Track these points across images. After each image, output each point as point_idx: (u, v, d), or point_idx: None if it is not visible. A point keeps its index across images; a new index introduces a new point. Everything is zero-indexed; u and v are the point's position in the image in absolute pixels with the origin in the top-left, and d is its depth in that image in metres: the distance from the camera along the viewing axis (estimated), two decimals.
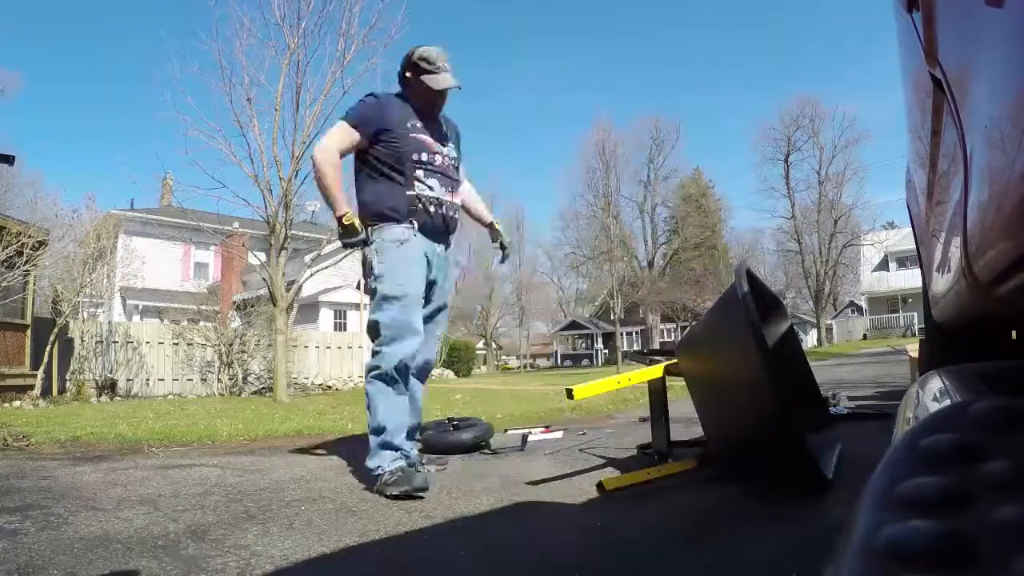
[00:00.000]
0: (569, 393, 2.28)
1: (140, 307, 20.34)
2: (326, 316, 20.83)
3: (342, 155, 2.66)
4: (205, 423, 5.21)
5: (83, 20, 53.75)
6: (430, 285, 2.70)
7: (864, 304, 37.08)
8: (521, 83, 69.29)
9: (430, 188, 2.63)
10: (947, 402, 0.56)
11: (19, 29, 47.18)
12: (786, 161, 36.45)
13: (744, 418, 2.07)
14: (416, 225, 2.59)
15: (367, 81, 9.67)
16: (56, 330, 9.87)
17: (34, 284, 10.24)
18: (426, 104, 2.71)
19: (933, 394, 0.63)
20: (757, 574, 1.41)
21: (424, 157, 2.64)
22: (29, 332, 9.85)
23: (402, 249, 2.54)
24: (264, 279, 9.23)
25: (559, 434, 3.90)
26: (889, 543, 0.29)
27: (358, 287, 21.41)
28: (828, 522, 1.61)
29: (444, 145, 2.74)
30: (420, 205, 2.59)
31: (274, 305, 8.96)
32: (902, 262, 33.45)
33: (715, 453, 2.40)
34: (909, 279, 30.83)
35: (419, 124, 2.67)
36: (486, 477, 2.67)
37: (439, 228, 2.68)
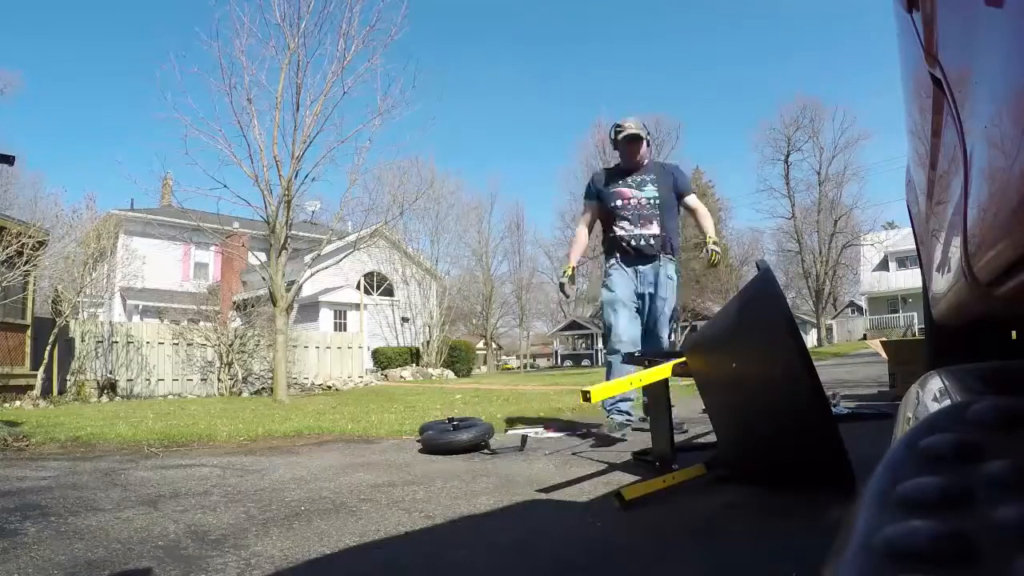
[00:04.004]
0: (585, 395, 2.19)
1: (140, 307, 20.33)
2: (326, 316, 20.83)
3: (589, 228, 3.96)
4: (205, 423, 5.21)
5: (84, 20, 53.76)
6: (641, 296, 3.63)
7: (864, 304, 37.06)
8: (522, 83, 69.32)
9: (623, 228, 3.63)
10: (947, 402, 0.56)
11: (19, 29, 47.17)
12: (786, 161, 36.46)
13: (774, 418, 2.02)
14: (619, 257, 3.66)
15: (367, 81, 9.69)
16: (56, 330, 9.87)
17: (34, 284, 10.24)
18: (624, 159, 3.73)
19: (933, 394, 0.63)
20: (757, 574, 1.41)
21: (619, 203, 3.66)
22: (29, 332, 9.85)
23: (610, 277, 3.68)
24: (264, 279, 9.23)
25: (560, 434, 3.90)
26: (889, 543, 0.29)
27: (358, 287, 21.42)
28: (828, 522, 1.61)
29: (641, 189, 3.64)
30: (620, 243, 3.66)
31: (274, 305, 8.96)
32: (902, 262, 33.42)
33: (726, 456, 2.37)
34: (909, 279, 30.80)
35: (619, 180, 3.71)
36: (486, 477, 2.66)
37: (637, 256, 3.63)
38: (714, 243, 3.63)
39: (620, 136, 3.61)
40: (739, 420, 2.24)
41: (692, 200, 3.79)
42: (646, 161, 3.72)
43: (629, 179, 3.66)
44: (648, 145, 3.71)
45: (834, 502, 1.82)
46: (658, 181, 3.67)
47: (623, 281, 3.60)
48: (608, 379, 3.37)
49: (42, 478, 2.83)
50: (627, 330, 3.54)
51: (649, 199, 3.61)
